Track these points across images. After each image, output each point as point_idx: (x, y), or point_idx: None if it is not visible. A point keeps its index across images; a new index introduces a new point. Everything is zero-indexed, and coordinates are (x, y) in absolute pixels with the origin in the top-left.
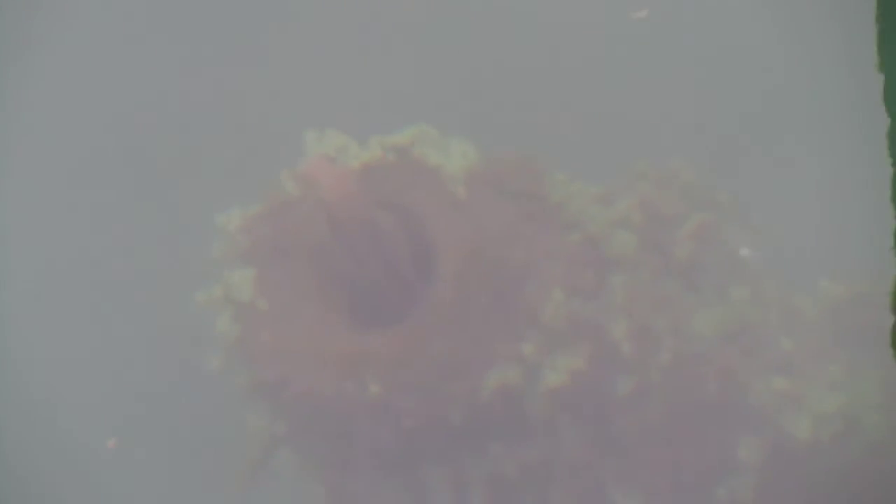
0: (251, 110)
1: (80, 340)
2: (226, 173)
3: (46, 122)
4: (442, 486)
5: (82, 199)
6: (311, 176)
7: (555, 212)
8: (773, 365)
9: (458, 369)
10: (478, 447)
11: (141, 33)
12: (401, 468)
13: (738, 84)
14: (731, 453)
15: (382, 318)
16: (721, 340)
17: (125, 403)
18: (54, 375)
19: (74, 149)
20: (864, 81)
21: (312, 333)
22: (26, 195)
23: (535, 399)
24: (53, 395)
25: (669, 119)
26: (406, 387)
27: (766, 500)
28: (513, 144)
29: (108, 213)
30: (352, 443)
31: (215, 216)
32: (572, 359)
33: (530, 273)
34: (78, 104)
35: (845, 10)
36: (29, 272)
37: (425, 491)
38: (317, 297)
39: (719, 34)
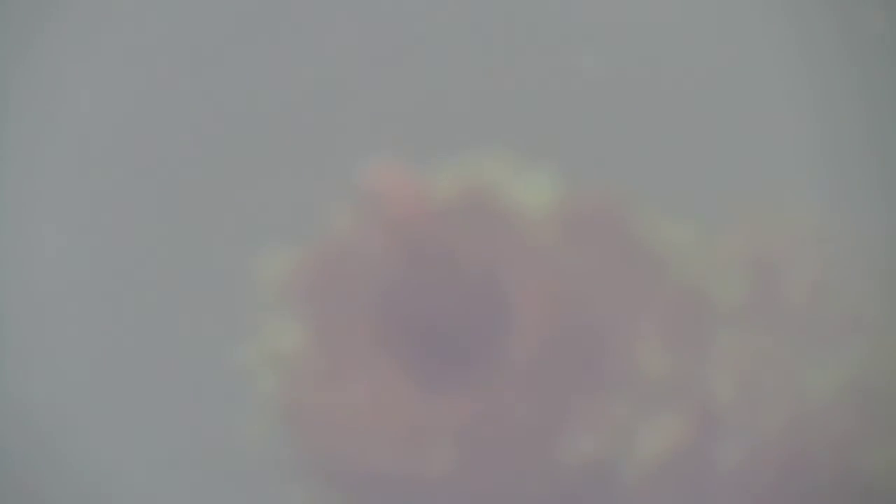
0: (292, 129)
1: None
2: (264, 206)
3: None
4: None
5: (96, 234)
6: (377, 191)
7: (649, 256)
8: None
9: (541, 438)
10: None
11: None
12: None
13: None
14: None
15: (453, 378)
16: (839, 403)
17: (145, 476)
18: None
19: (85, 178)
20: None
21: (371, 397)
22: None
23: (627, 471)
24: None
25: (778, 146)
26: (478, 458)
27: None
28: (599, 176)
29: (128, 248)
30: None
31: (256, 256)
32: (670, 425)
33: (622, 326)
34: (96, 126)
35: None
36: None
37: None
38: (376, 355)
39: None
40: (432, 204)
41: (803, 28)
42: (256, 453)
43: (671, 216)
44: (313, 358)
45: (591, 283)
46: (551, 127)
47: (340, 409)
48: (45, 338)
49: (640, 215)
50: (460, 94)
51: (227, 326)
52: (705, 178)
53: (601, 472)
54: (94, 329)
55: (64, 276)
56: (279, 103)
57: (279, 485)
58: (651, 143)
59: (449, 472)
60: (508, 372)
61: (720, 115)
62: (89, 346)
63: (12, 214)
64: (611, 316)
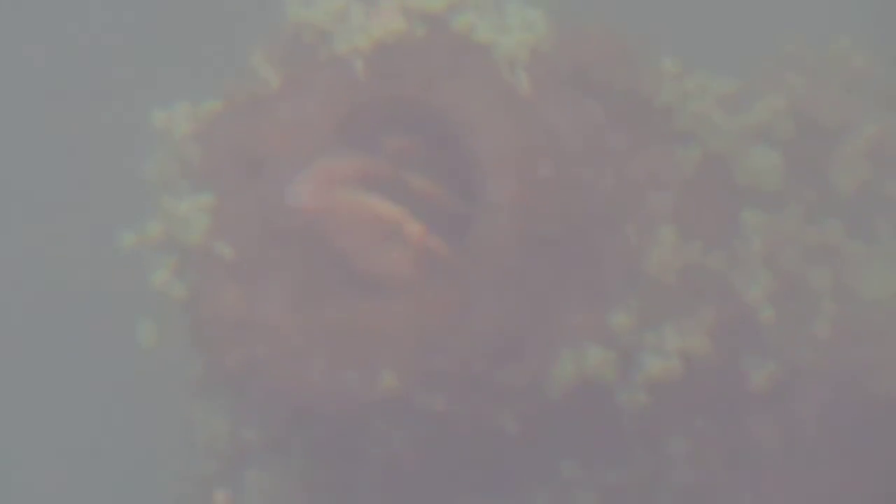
0: None
1: None
2: (172, 53)
3: None
4: None
5: None
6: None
7: (662, 117)
8: None
9: (515, 350)
10: (542, 468)
11: None
12: (425, 498)
13: None
14: None
15: (399, 271)
16: None
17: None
18: None
19: None
20: None
21: (297, 294)
22: None
23: (629, 395)
24: None
25: None
26: (436, 377)
27: None
28: (599, 13)
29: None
30: (352, 458)
31: (152, 114)
32: (687, 333)
33: (626, 206)
34: None
35: None
36: None
37: None
38: (305, 239)
39: None
40: (377, 48)
41: None
42: (153, 364)
43: (690, 67)
44: (221, 245)
45: (585, 149)
46: None
47: (256, 310)
48: None
49: (650, 65)
50: None
51: (115, 205)
52: (731, 18)
53: (594, 399)
54: None
55: None
56: None
57: (182, 403)
58: None
59: (394, 390)
60: (473, 262)
61: None
62: None
63: None
64: (612, 194)
